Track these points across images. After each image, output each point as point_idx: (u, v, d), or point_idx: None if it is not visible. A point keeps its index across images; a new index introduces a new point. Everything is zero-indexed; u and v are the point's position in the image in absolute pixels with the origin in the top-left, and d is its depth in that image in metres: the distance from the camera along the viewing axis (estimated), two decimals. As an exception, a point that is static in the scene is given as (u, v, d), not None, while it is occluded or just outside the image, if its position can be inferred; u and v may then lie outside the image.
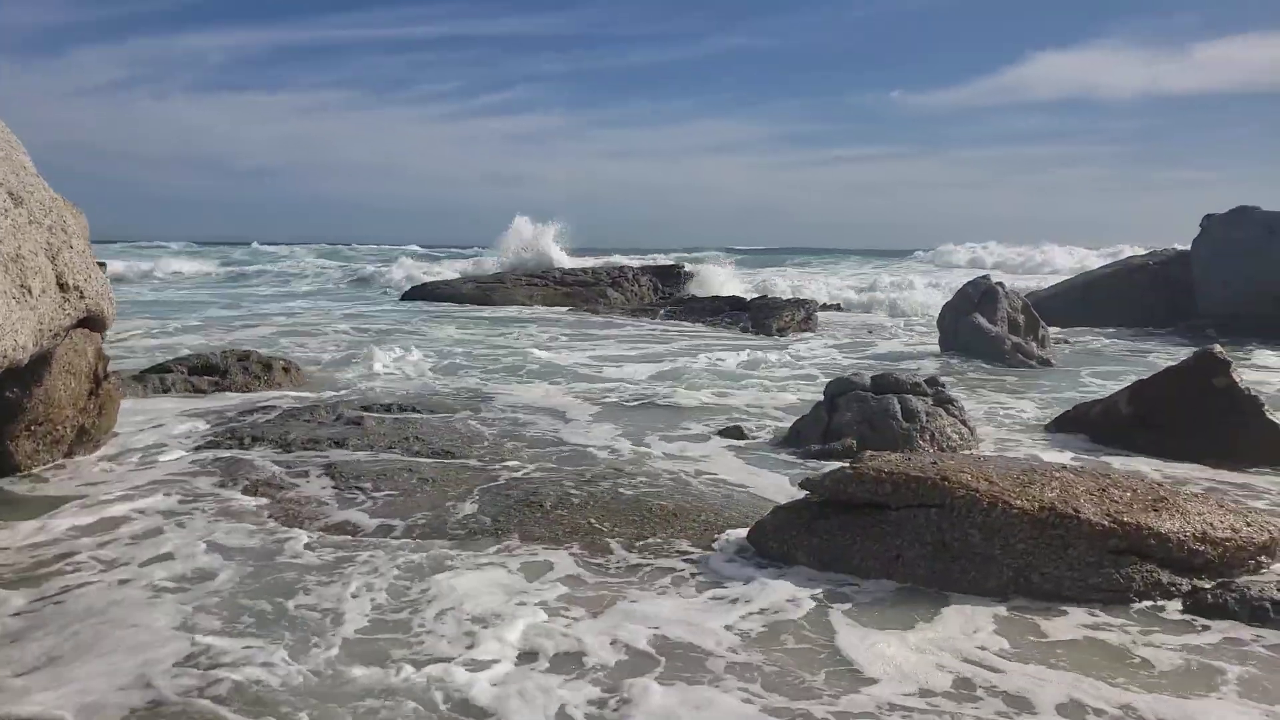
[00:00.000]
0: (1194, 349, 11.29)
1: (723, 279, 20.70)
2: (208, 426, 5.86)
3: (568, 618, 3.06)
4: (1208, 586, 3.16)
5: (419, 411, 6.72)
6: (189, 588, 3.27)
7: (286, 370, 7.64)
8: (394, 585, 3.31)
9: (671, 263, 23.79)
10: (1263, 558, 3.39)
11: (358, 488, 4.55)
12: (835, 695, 2.57)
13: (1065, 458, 5.50)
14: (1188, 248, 15.31)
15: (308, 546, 3.71)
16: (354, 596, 3.20)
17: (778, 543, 3.63)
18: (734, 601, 3.21)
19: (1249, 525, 3.37)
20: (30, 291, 4.10)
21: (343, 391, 7.47)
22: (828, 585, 3.35)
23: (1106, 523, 3.18)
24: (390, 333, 12.34)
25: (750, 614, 3.11)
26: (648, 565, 3.57)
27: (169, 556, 3.57)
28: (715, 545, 3.79)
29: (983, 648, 2.85)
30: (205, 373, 7.47)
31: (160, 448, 5.31)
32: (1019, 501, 3.28)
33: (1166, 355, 11.24)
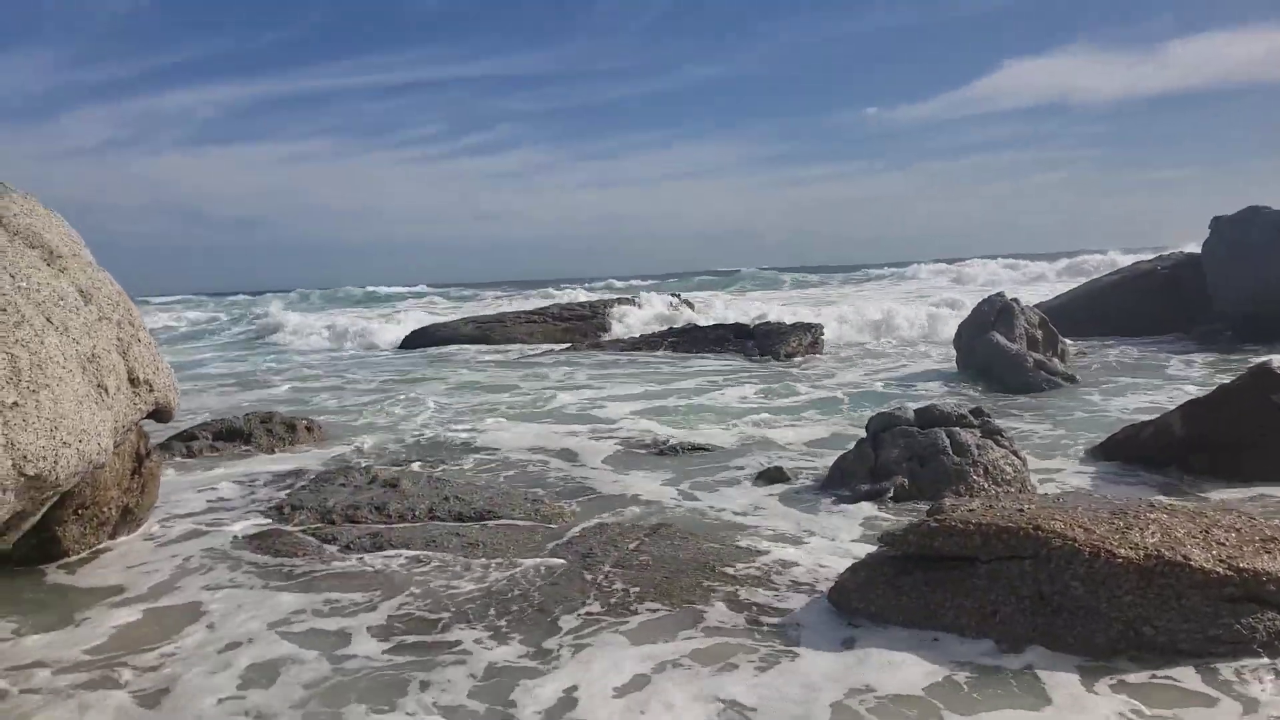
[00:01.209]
0: (1214, 355, 11.29)
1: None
2: (241, 497, 5.70)
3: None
4: (1330, 631, 3.01)
5: (447, 464, 6.57)
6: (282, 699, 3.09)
7: (310, 430, 7.48)
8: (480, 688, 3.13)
9: (671, 295, 23.73)
10: (1376, 594, 3.24)
11: (415, 564, 4.38)
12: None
13: (1130, 488, 5.37)
14: (1187, 249, 15.33)
15: (382, 640, 3.52)
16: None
17: (863, 602, 3.47)
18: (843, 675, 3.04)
19: (1359, 561, 3.23)
20: (107, 391, 4.02)
21: (366, 446, 7.31)
22: (930, 649, 3.19)
23: (1221, 570, 3.03)
24: (397, 383, 12.17)
25: (868, 689, 2.94)
26: (727, 632, 3.40)
27: (238, 660, 3.38)
28: (794, 606, 3.62)
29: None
30: (230, 438, 7.31)
31: (202, 526, 5.13)
32: (1122, 550, 3.13)
33: (1185, 362, 11.19)
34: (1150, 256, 16.76)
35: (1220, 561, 3.07)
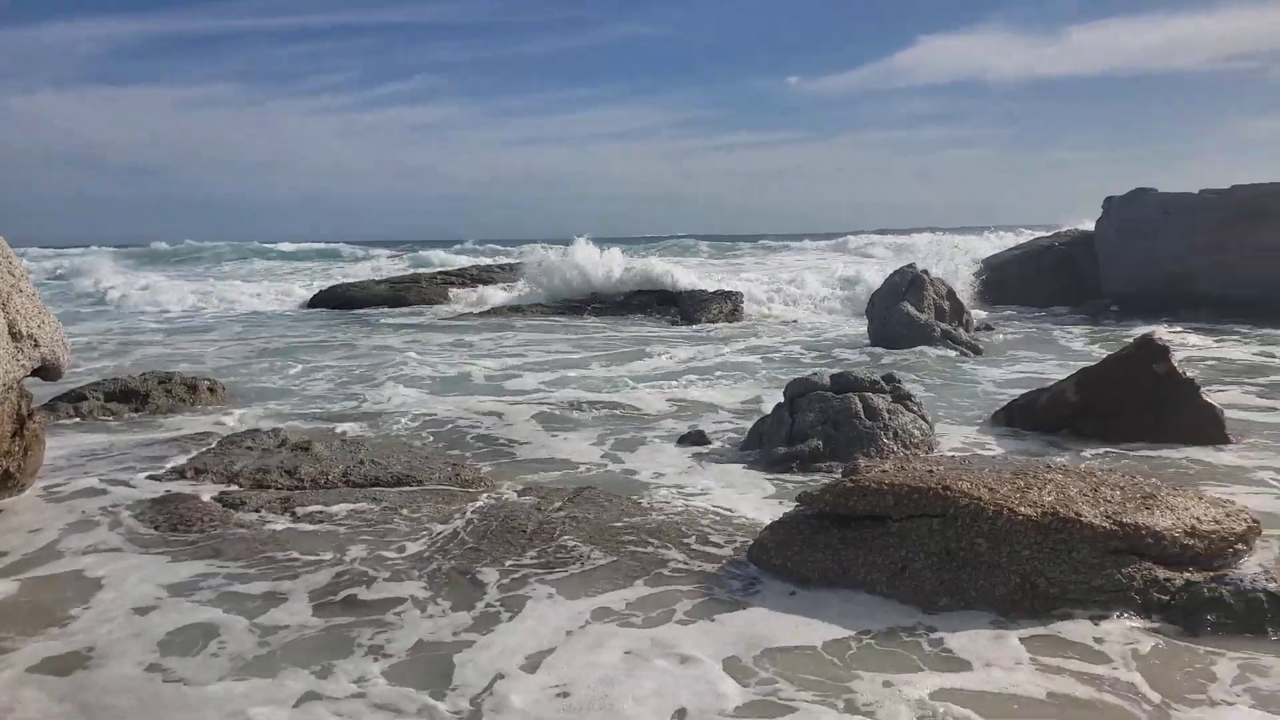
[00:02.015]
0: (1104, 329, 11.90)
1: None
2: (139, 461, 5.48)
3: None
4: (1200, 580, 3.26)
5: (363, 427, 6.48)
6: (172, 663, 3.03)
7: (213, 391, 7.25)
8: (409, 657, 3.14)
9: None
10: (1240, 546, 3.51)
11: (329, 527, 4.32)
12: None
13: (1025, 449, 5.66)
14: (1083, 227, 16.05)
15: (305, 606, 3.49)
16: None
17: (781, 559, 3.60)
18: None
19: (1229, 516, 3.49)
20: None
21: (273, 408, 7.15)
22: (842, 607, 3.33)
23: (1108, 525, 3.25)
24: (306, 345, 11.88)
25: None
26: (653, 592, 3.48)
27: (151, 629, 3.30)
28: (716, 564, 3.73)
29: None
30: (124, 398, 7.02)
31: (93, 492, 4.91)
32: (1022, 508, 3.32)
33: (1076, 335, 11.78)
34: (1048, 234, 17.48)
35: (1107, 517, 3.29)
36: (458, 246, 42.88)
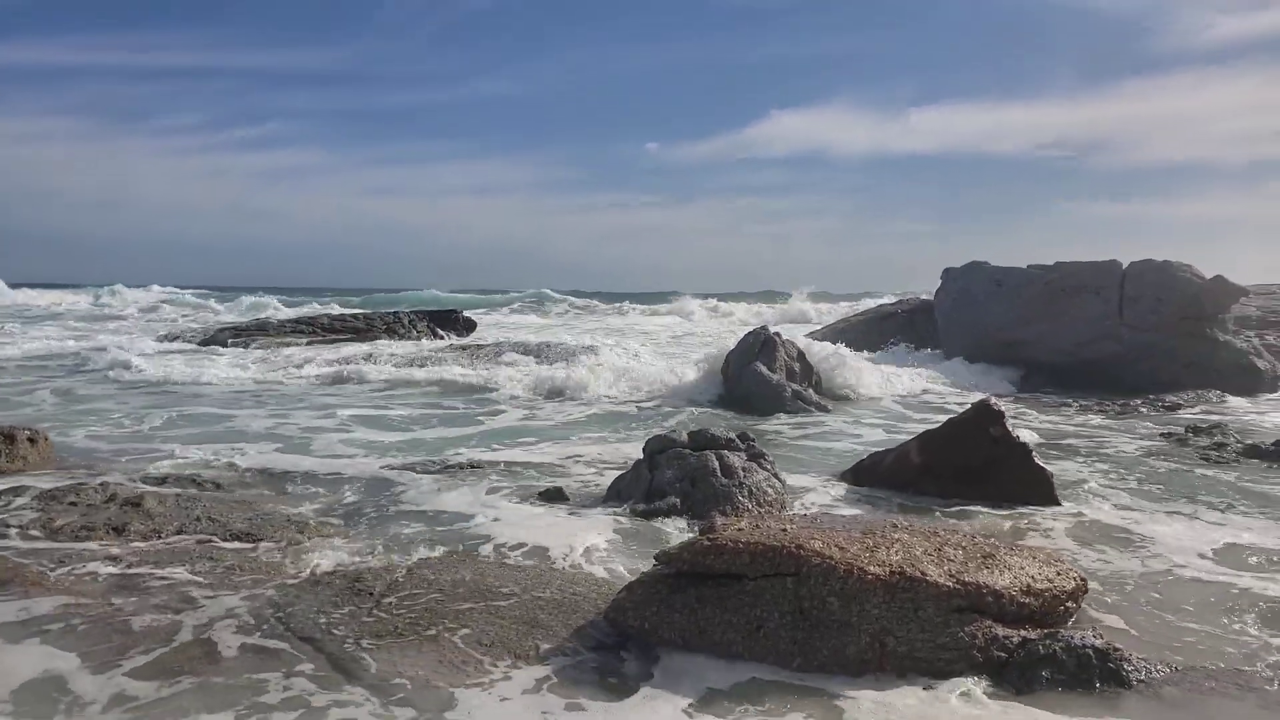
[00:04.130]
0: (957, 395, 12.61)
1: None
2: (-59, 518, 4.95)
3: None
4: (1035, 637, 3.44)
5: (202, 481, 6.08)
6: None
7: (33, 442, 6.64)
8: None
9: (451, 309, 23.31)
10: (1070, 604, 3.75)
11: (159, 589, 4.00)
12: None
13: (873, 507, 5.87)
14: (923, 295, 17.09)
15: (111, 680, 3.19)
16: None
17: (638, 620, 3.57)
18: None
19: (1059, 575, 3.72)
20: None
21: (103, 460, 6.62)
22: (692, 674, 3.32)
23: (951, 583, 3.39)
24: (143, 395, 11.13)
25: None
26: (509, 665, 3.38)
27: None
28: (572, 625, 3.66)
29: None
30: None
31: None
32: (871, 567, 3.43)
33: (919, 396, 12.40)
34: (892, 300, 18.50)
35: (951, 576, 3.44)
36: (305, 297, 41.99)
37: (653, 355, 16.81)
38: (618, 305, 44.60)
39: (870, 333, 16.36)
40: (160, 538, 4.73)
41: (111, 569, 4.20)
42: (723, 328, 26.70)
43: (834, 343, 15.79)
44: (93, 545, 4.55)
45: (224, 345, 17.47)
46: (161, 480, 6.04)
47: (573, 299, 48.24)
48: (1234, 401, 11.65)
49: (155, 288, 46.08)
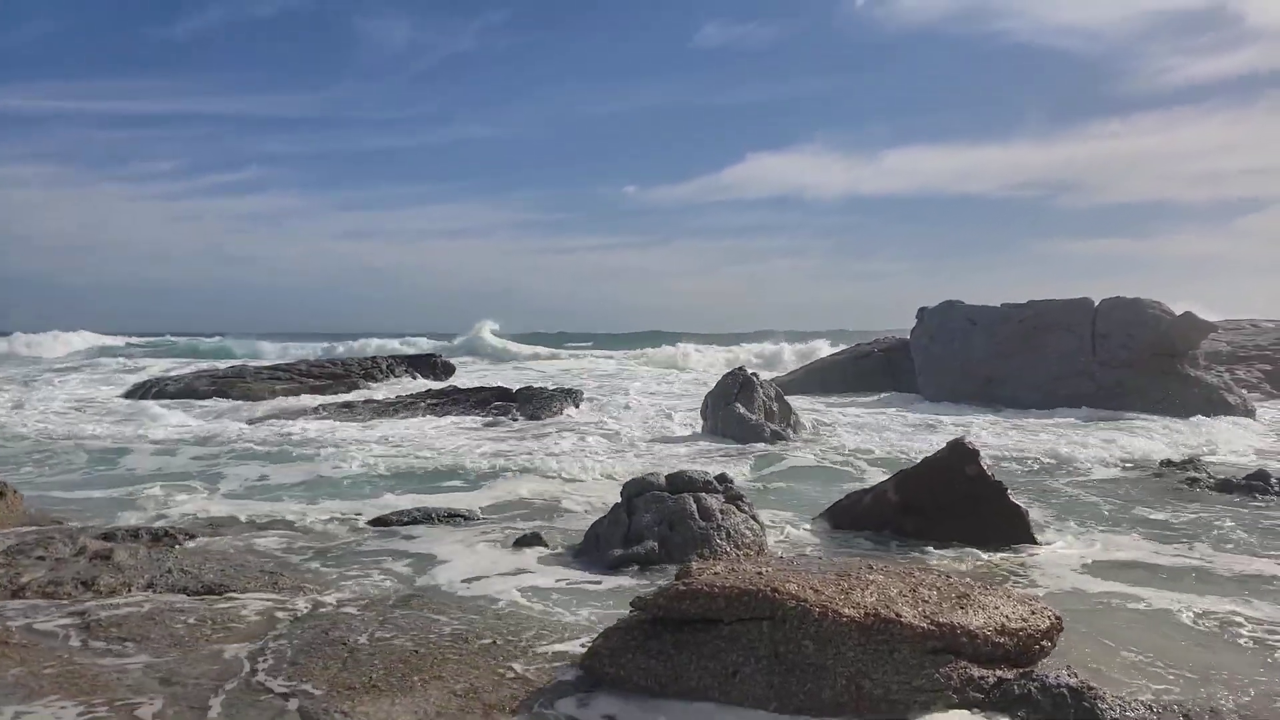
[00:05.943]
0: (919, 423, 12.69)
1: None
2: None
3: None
4: (1010, 677, 3.44)
5: (173, 534, 6.01)
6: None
7: (2, 494, 6.54)
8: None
9: (430, 351, 23.29)
10: (1045, 643, 3.75)
11: (128, 647, 3.93)
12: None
13: (850, 548, 5.88)
14: (899, 334, 17.26)
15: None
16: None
17: (614, 667, 3.54)
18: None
19: (1034, 614, 3.73)
20: None
21: (73, 509, 6.53)
22: None
23: (926, 625, 3.39)
24: (117, 444, 11.01)
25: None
26: (482, 715, 3.34)
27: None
28: (549, 674, 3.63)
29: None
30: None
31: None
32: (846, 610, 3.43)
33: (898, 434, 12.46)
34: (869, 341, 18.66)
35: (925, 617, 3.44)
36: (288, 343, 41.68)
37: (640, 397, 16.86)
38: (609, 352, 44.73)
39: (846, 374, 16.46)
40: (130, 592, 4.66)
41: (73, 630, 4.12)
42: (699, 369, 26.75)
43: (810, 383, 15.96)
44: (59, 600, 4.47)
45: (200, 399, 17.30)
46: (134, 533, 5.95)
47: (558, 340, 48.32)
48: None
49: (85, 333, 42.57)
